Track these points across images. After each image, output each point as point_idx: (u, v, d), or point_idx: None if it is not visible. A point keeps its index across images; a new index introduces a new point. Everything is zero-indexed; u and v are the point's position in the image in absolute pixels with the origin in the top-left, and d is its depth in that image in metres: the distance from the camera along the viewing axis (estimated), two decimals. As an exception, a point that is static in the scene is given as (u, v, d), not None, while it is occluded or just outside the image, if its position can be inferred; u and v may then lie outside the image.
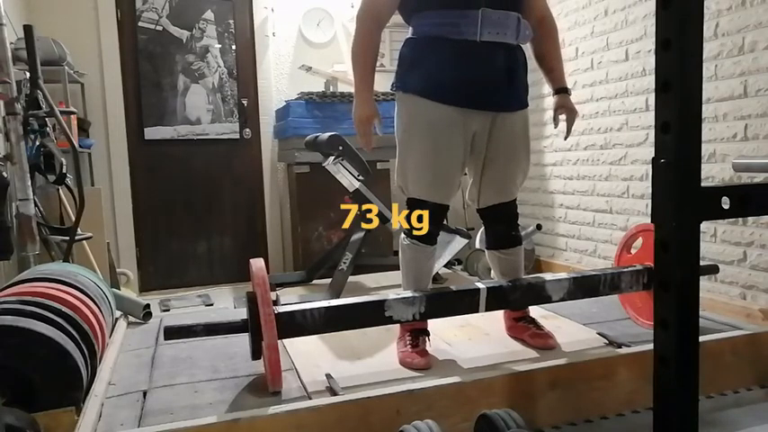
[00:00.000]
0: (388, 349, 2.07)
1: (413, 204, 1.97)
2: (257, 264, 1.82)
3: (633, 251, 2.29)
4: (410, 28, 1.94)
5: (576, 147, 3.32)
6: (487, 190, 2.03)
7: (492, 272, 2.24)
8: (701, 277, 0.91)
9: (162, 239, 3.85)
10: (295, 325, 1.77)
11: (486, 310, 1.93)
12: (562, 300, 2.01)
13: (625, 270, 2.09)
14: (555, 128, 2.07)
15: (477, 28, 1.79)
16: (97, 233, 2.81)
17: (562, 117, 2.05)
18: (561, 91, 2.04)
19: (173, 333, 1.76)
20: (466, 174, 2.05)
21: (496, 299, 1.93)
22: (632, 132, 2.91)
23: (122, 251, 3.69)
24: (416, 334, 1.99)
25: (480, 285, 1.92)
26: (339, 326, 1.86)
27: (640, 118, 2.86)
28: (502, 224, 2.09)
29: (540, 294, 1.99)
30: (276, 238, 4.00)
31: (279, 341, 1.70)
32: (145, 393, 1.80)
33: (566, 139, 2.10)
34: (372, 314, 1.84)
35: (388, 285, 2.95)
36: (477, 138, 1.93)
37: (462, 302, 1.91)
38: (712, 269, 2.23)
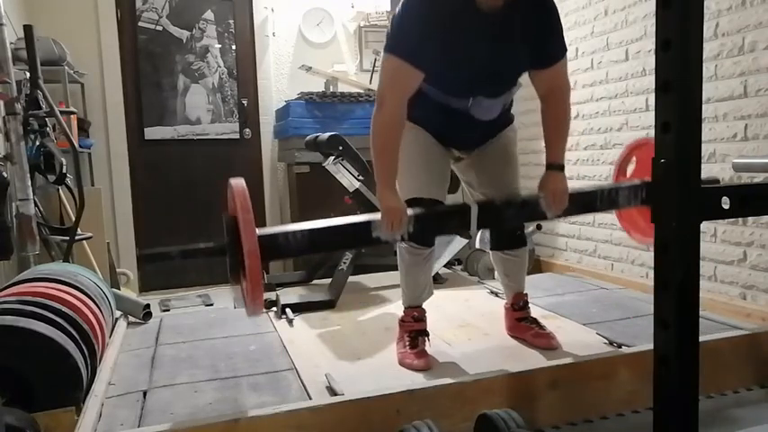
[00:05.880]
0: (388, 349, 2.07)
1: (410, 205, 1.98)
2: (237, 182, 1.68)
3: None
4: None
5: (576, 147, 3.32)
6: (489, 191, 2.03)
7: (495, 273, 2.23)
8: (700, 275, 0.91)
9: (162, 239, 3.84)
10: (277, 246, 1.65)
11: (479, 228, 1.82)
12: (558, 217, 1.91)
13: (622, 185, 1.97)
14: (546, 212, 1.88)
15: (467, 106, 1.85)
16: (97, 233, 2.81)
17: (542, 194, 1.83)
18: (551, 167, 1.87)
19: (150, 258, 1.69)
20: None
21: (488, 216, 1.82)
22: (632, 132, 2.91)
23: (122, 251, 3.69)
24: (415, 335, 1.99)
25: (471, 204, 1.82)
26: (324, 246, 1.79)
27: (640, 118, 2.85)
28: None
29: (534, 211, 1.87)
30: (276, 238, 3.99)
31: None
32: (145, 393, 1.80)
33: (550, 218, 1.89)
34: (358, 235, 1.76)
35: (388, 285, 2.95)
36: (458, 156, 2.06)
37: (453, 220, 1.83)
38: (713, 182, 2.15)
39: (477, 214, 1.78)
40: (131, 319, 2.61)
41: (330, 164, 2.93)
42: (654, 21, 0.83)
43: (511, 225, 2.03)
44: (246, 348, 2.17)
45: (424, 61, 1.71)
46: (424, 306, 2.08)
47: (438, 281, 3.09)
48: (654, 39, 0.83)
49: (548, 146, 1.92)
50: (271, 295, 2.85)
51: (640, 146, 2.10)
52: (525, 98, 3.18)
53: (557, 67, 1.84)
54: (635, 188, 1.96)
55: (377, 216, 1.71)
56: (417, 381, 1.73)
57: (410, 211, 1.74)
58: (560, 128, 1.91)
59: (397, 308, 2.11)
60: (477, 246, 3.49)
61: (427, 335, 2.02)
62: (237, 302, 3.14)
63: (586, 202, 1.95)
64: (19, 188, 2.36)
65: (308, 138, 3.12)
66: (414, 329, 2.01)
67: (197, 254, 1.66)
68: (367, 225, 1.72)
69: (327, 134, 2.92)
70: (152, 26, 3.77)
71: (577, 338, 2.10)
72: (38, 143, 2.51)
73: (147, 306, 2.66)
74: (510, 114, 2.06)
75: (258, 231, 1.55)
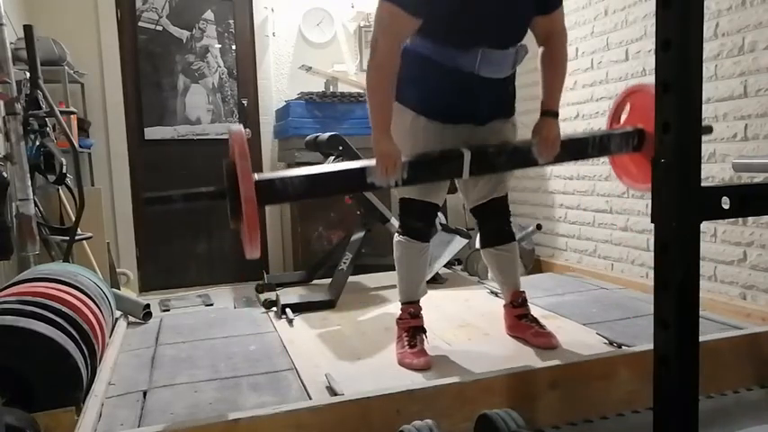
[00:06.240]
0: (388, 349, 2.07)
1: (404, 204, 2.03)
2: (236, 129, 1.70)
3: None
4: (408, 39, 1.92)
5: (576, 147, 3.32)
6: (480, 186, 2.05)
7: (489, 272, 2.25)
8: (700, 275, 0.91)
9: (162, 239, 3.85)
10: (275, 191, 1.71)
11: (471, 174, 1.84)
12: (549, 163, 1.94)
13: (614, 132, 1.98)
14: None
15: (476, 64, 1.81)
16: (97, 233, 2.81)
17: (535, 140, 1.89)
18: (545, 114, 1.92)
19: (151, 201, 1.70)
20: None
21: (481, 162, 1.84)
22: (632, 132, 2.91)
23: (122, 251, 3.69)
24: (413, 332, 1.99)
25: (464, 150, 1.83)
26: (320, 192, 1.83)
27: (640, 118, 2.85)
28: (496, 220, 2.11)
29: (526, 158, 1.90)
30: (276, 238, 4.00)
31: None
32: (145, 393, 1.80)
33: (541, 164, 1.93)
34: (353, 180, 1.79)
35: (388, 285, 2.95)
36: (465, 141, 1.98)
37: (446, 166, 1.84)
38: (707, 130, 2.11)
39: (470, 160, 1.80)
40: (131, 319, 2.61)
41: (330, 164, 2.93)
42: (654, 21, 0.83)
43: (503, 170, 2.01)
44: (246, 348, 2.17)
45: (421, 7, 1.71)
46: (421, 304, 2.08)
47: (438, 281, 3.09)
48: (654, 39, 0.83)
49: (544, 92, 1.95)
50: (271, 295, 2.86)
51: (635, 92, 2.09)
52: (525, 98, 3.18)
53: (556, 14, 1.90)
54: (627, 135, 1.97)
55: (371, 162, 1.74)
56: (417, 381, 1.73)
57: (404, 158, 1.76)
58: (557, 72, 1.95)
59: (396, 308, 2.11)
60: (477, 246, 3.49)
61: (425, 332, 2.02)
62: (237, 303, 3.14)
63: (578, 148, 1.97)
64: (19, 188, 2.36)
65: (308, 138, 3.12)
66: (411, 326, 2.01)
67: (199, 197, 1.70)
68: (362, 171, 1.74)
69: (327, 134, 2.92)
70: (152, 26, 3.77)
71: (577, 338, 2.10)
72: (38, 143, 2.51)
73: (147, 306, 2.66)
74: (513, 106, 2.03)
75: (256, 176, 1.62)
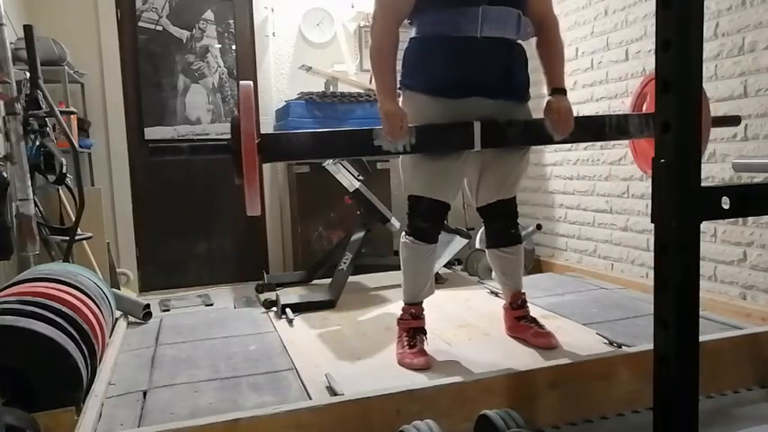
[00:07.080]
0: (388, 349, 2.07)
1: (412, 201, 2.00)
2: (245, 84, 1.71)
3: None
4: (413, 27, 1.96)
5: (576, 147, 3.32)
6: (488, 186, 2.05)
7: (492, 272, 2.25)
8: (700, 275, 0.91)
9: (162, 239, 3.85)
10: (281, 147, 1.73)
11: (482, 146, 1.83)
12: (565, 142, 1.92)
13: (633, 113, 1.95)
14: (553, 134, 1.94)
15: (478, 24, 1.82)
16: (97, 233, 2.81)
17: (547, 117, 1.90)
18: (553, 92, 1.94)
19: (158, 151, 1.78)
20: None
21: (492, 134, 1.83)
22: (632, 132, 2.91)
23: (122, 251, 3.69)
24: (413, 333, 1.99)
25: (475, 121, 1.84)
26: (326, 152, 1.86)
27: (640, 118, 2.85)
28: (502, 222, 2.10)
29: (539, 134, 1.89)
30: (276, 238, 4.00)
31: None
32: (145, 393, 1.80)
33: (556, 140, 1.95)
34: (360, 143, 1.80)
35: (388, 285, 2.95)
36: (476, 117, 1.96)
37: (456, 135, 1.83)
38: (734, 120, 2.12)
39: (481, 130, 1.81)
40: (131, 319, 2.61)
41: (330, 164, 2.93)
42: (654, 21, 0.83)
43: (517, 144, 1.97)
44: (246, 348, 2.17)
45: None
46: (423, 305, 2.08)
47: (438, 281, 3.09)
48: (654, 39, 0.83)
49: (548, 73, 1.98)
50: (271, 295, 2.86)
51: (652, 80, 2.09)
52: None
53: None
54: (647, 117, 1.95)
55: (379, 127, 1.77)
56: (417, 381, 1.73)
57: (412, 124, 1.78)
58: (557, 52, 1.99)
59: (397, 308, 2.11)
60: (477, 246, 3.49)
61: (425, 333, 2.02)
62: (237, 303, 3.14)
63: (595, 127, 1.96)
64: (19, 188, 2.36)
65: (308, 138, 3.12)
66: (411, 327, 2.01)
67: (204, 150, 1.80)
68: (369, 133, 1.75)
69: (327, 134, 2.92)
70: (152, 26, 3.76)
71: (577, 338, 2.10)
72: (38, 143, 2.51)
73: (147, 306, 2.66)
74: (526, 91, 2.02)
75: (263, 132, 1.65)
